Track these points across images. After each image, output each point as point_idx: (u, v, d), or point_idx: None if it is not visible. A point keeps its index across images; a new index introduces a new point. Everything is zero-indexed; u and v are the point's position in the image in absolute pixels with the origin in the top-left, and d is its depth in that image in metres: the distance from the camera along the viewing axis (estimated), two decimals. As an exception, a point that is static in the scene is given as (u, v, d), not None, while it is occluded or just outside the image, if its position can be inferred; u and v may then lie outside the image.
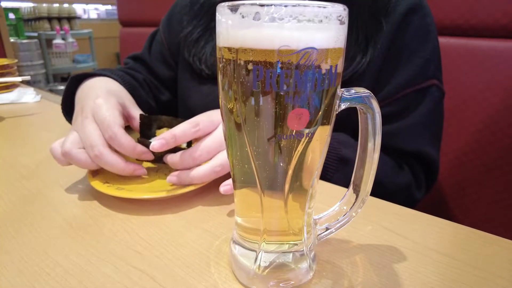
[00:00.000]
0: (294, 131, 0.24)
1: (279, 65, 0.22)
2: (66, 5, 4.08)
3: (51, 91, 2.94)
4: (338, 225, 0.32)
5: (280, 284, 0.29)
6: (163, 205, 0.42)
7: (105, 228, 0.38)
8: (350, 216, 0.31)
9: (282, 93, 0.23)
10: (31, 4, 3.94)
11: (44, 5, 3.92)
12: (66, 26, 3.95)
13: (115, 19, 1.68)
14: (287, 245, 0.30)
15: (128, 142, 0.42)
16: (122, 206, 0.42)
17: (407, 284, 0.30)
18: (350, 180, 0.31)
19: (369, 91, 0.27)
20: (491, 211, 0.73)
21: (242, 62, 0.23)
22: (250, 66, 0.23)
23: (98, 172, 0.46)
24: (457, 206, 0.77)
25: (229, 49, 0.24)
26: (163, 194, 0.41)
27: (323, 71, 0.23)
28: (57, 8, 3.99)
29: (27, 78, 0.90)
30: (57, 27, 3.84)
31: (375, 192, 0.37)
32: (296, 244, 0.30)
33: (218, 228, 0.38)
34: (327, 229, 0.32)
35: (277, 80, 0.23)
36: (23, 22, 3.89)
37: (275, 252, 0.30)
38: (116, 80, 0.59)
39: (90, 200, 0.43)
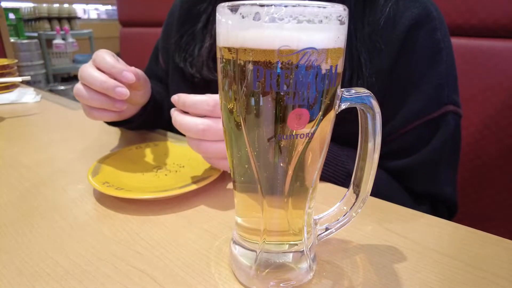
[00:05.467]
0: (294, 131, 0.24)
1: (279, 65, 0.22)
2: (66, 5, 4.09)
3: (51, 91, 2.94)
4: (338, 225, 0.32)
5: (281, 284, 0.29)
6: (163, 205, 0.42)
7: (105, 228, 0.38)
8: (350, 216, 0.31)
9: (282, 93, 0.23)
10: (31, 4, 3.94)
11: (44, 5, 3.92)
12: (66, 26, 3.96)
13: (115, 19, 1.68)
14: (287, 245, 0.30)
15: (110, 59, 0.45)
16: (122, 206, 0.42)
17: (407, 284, 0.30)
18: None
19: (369, 91, 0.27)
20: (491, 211, 0.73)
21: (242, 62, 0.23)
22: (250, 66, 0.23)
23: (98, 172, 0.46)
24: (457, 206, 0.77)
25: (229, 49, 0.24)
26: (163, 194, 0.41)
27: (323, 71, 0.23)
28: (57, 8, 3.99)
29: (27, 78, 0.90)
30: (57, 27, 3.84)
31: None
32: (296, 244, 0.30)
33: (218, 228, 0.38)
34: (327, 229, 0.32)
35: (277, 80, 0.23)
36: (23, 22, 3.90)
37: (275, 252, 0.30)
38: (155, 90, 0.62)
39: (90, 200, 0.43)
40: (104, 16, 4.92)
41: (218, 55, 0.26)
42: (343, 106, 0.27)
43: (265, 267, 0.29)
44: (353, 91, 0.27)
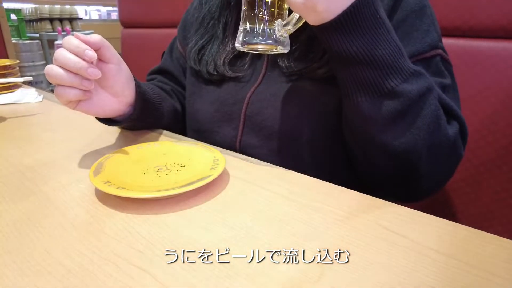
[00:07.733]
0: None
1: None
2: (67, 6, 4.09)
3: (52, 91, 2.95)
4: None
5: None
6: (164, 204, 0.42)
7: (107, 227, 0.38)
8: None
9: None
10: (32, 5, 3.95)
11: (46, 6, 3.93)
12: (68, 27, 3.97)
13: (116, 20, 1.69)
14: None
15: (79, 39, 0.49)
16: (123, 205, 0.42)
17: (406, 284, 0.30)
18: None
19: None
20: (490, 211, 0.73)
21: None
22: None
23: (99, 172, 0.46)
24: (456, 205, 0.77)
25: None
26: (164, 194, 0.42)
27: None
28: (59, 9, 4.00)
29: (29, 78, 0.90)
30: (59, 28, 3.84)
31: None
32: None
33: (219, 227, 0.38)
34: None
35: None
36: (25, 23, 3.90)
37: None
38: (147, 90, 0.64)
39: (92, 199, 0.44)
40: (105, 17, 4.94)
41: None
42: None
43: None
44: None
